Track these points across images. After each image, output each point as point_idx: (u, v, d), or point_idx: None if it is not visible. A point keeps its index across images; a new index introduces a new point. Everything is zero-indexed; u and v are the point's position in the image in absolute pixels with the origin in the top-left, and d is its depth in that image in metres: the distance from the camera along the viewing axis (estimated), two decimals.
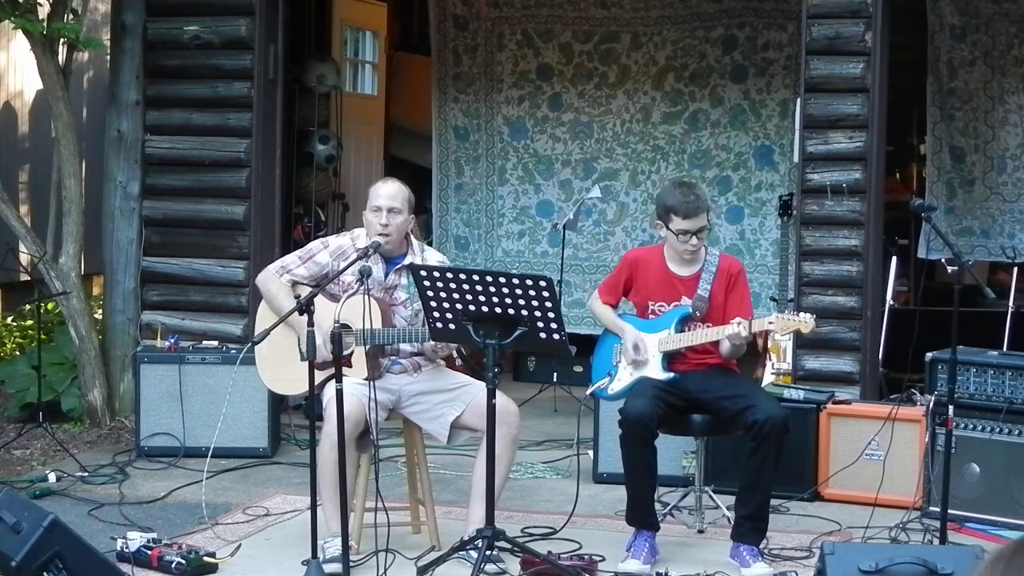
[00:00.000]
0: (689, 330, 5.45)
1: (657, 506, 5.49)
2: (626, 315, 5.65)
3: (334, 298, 5.32)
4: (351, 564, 4.93)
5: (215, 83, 7.55)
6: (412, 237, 5.54)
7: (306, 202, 9.45)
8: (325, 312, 5.10)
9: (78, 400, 7.58)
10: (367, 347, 5.25)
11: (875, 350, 7.01)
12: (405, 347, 5.41)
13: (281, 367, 5.38)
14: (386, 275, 5.41)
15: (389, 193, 5.38)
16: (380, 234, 5.31)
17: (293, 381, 5.30)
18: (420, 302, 5.19)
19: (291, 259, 5.51)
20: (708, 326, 5.42)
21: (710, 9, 8.47)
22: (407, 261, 5.40)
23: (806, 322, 5.26)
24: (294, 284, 5.41)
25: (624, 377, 5.51)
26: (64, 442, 7.03)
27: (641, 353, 5.44)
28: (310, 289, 5.11)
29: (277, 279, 5.45)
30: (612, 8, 8.67)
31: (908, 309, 8.17)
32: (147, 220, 7.67)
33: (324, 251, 5.47)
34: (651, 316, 5.53)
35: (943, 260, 7.24)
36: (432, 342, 5.27)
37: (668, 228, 5.42)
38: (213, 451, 6.04)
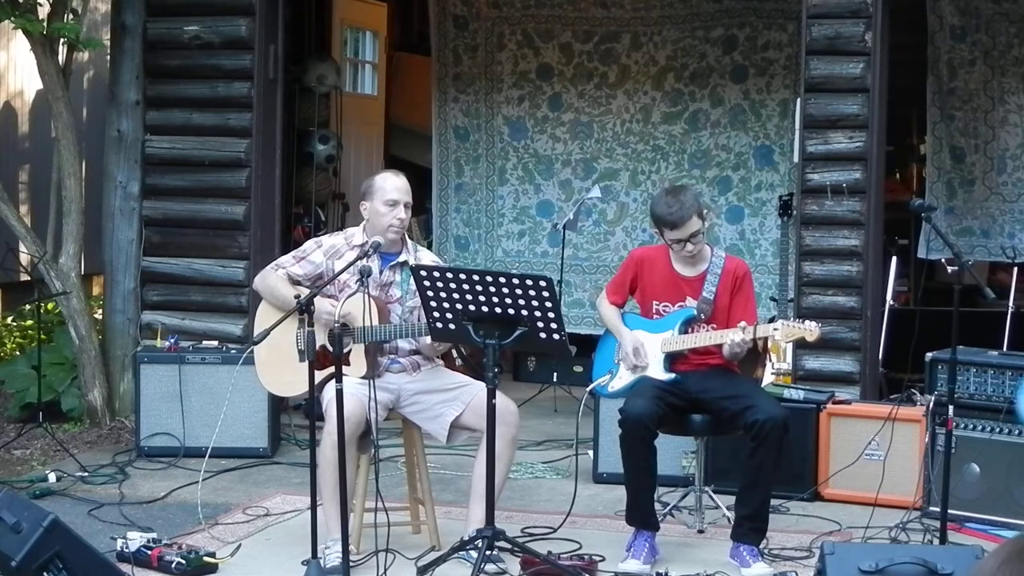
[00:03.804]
0: (693, 331, 5.45)
1: (657, 506, 5.49)
2: (629, 314, 5.65)
3: (331, 297, 5.32)
4: (351, 564, 4.93)
5: (215, 83, 7.55)
6: (406, 235, 5.55)
7: (306, 202, 9.45)
8: (323, 308, 5.12)
9: (78, 400, 7.57)
10: (366, 344, 5.25)
11: (875, 350, 7.00)
12: (404, 346, 5.41)
13: (280, 369, 5.38)
14: (381, 272, 5.41)
15: (404, 187, 5.40)
16: (395, 228, 5.32)
17: (292, 383, 5.30)
18: (415, 299, 5.20)
19: (286, 258, 5.53)
20: (712, 328, 5.42)
21: (710, 9, 8.46)
22: (402, 259, 5.41)
23: (811, 330, 5.25)
24: (291, 282, 5.42)
25: (625, 376, 5.51)
26: (64, 442, 7.02)
27: (641, 359, 5.44)
28: (309, 289, 5.12)
29: (273, 272, 5.46)
30: (612, 8, 8.67)
31: (908, 309, 8.16)
32: (147, 220, 7.67)
33: (318, 250, 5.47)
34: (655, 316, 5.53)
35: (943, 260, 7.24)
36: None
37: (662, 237, 5.45)
38: (213, 451, 6.03)
